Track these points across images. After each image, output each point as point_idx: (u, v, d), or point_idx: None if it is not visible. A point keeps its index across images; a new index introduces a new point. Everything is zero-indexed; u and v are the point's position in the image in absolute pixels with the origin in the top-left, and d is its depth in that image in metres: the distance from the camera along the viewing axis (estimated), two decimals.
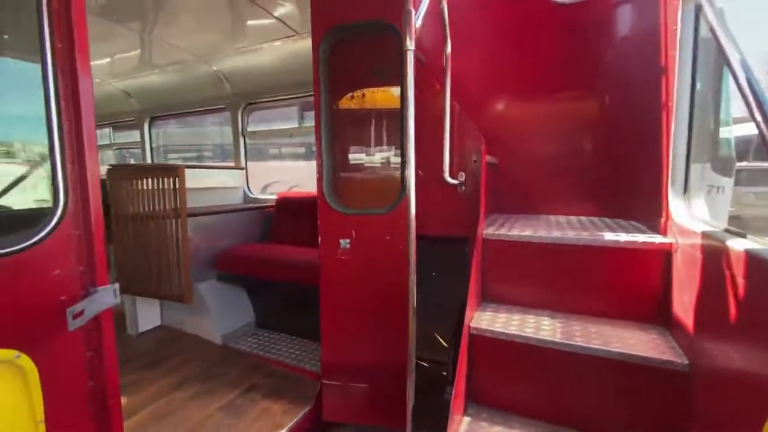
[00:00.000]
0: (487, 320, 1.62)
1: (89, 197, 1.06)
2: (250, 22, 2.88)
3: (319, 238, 2.07)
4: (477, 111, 2.32)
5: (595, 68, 2.20)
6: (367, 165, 2.21)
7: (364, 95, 2.17)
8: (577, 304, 1.72)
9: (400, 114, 1.91)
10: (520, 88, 2.41)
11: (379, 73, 2.09)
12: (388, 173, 2.18)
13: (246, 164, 3.90)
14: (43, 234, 1.00)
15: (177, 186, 2.58)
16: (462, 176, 1.94)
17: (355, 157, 2.24)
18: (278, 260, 2.78)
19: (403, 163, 1.89)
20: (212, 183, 3.51)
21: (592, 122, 2.26)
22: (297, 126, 3.69)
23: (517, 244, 1.76)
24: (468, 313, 1.60)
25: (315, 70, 2.00)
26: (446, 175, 1.84)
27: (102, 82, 4.30)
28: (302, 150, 7.80)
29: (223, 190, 3.65)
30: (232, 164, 3.95)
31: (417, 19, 1.34)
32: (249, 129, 3.88)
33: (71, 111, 1.03)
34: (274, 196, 3.71)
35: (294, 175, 6.47)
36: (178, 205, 2.58)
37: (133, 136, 5.00)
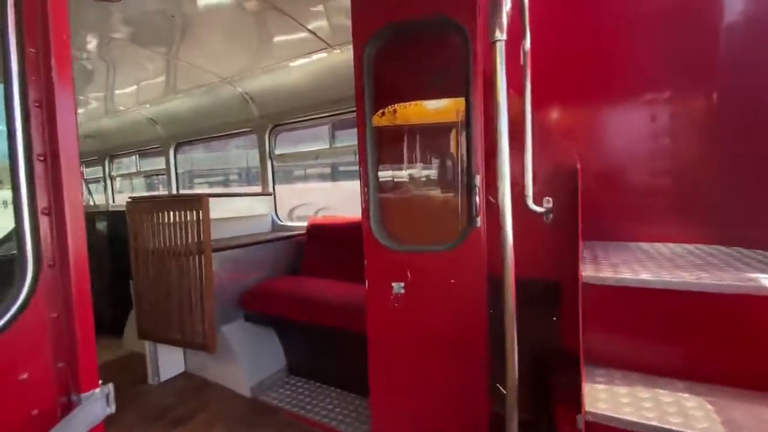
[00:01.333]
0: (607, 401, 1.19)
1: (70, 262, 0.74)
2: (277, 38, 2.64)
3: (366, 281, 1.71)
4: (547, 116, 1.93)
5: (709, 60, 1.77)
6: (421, 191, 1.86)
7: (414, 107, 1.84)
8: (720, 372, 1.27)
9: (466, 126, 1.55)
10: (605, 86, 1.99)
11: (434, 81, 1.75)
12: (448, 200, 1.81)
13: (274, 189, 3.63)
14: (3, 320, 0.68)
15: (200, 218, 2.30)
16: (549, 202, 1.54)
17: (405, 179, 1.89)
18: (311, 300, 2.43)
19: (471, 188, 1.52)
20: (238, 211, 3.24)
21: (699, 126, 1.82)
22: (328, 147, 3.40)
23: (630, 290, 1.34)
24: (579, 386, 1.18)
25: (358, 79, 1.68)
26: (529, 201, 1.45)
27: (128, 110, 4.21)
28: (328, 171, 7.62)
29: (250, 218, 3.38)
30: (258, 189, 3.69)
31: (506, 5, 1.00)
32: (276, 152, 3.62)
33: (46, 142, 0.72)
34: (304, 223, 3.41)
35: (321, 198, 6.20)
36: (202, 239, 2.30)
37: (160, 163, 4.88)
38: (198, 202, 2.25)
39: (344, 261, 2.90)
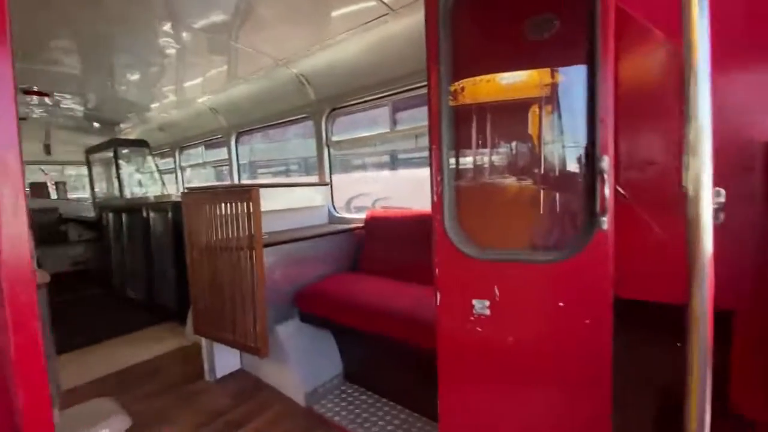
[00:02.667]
0: None
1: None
2: (335, 9, 2.33)
3: (437, 293, 1.35)
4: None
5: None
6: (511, 182, 1.43)
7: (507, 78, 1.41)
8: None
9: (589, 92, 1.10)
10: None
11: (530, 43, 1.31)
12: (552, 193, 1.37)
13: (330, 178, 3.40)
14: None
15: (251, 210, 2.11)
16: (720, 195, 1.05)
17: (491, 166, 1.47)
18: (370, 307, 2.13)
19: (596, 175, 1.08)
20: (293, 202, 3.05)
21: None
22: (389, 131, 3.06)
23: None
24: None
25: (431, 43, 1.30)
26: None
27: (194, 101, 4.25)
28: (386, 158, 7.30)
29: (305, 210, 3.18)
30: (314, 179, 3.49)
31: None
32: (333, 138, 3.37)
33: None
34: (363, 215, 3.14)
35: (379, 188, 5.92)
36: (253, 233, 2.11)
37: (224, 153, 4.93)
38: (248, 194, 2.05)
39: (407, 259, 2.58)
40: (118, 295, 4.69)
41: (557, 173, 1.34)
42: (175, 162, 5.73)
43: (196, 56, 3.11)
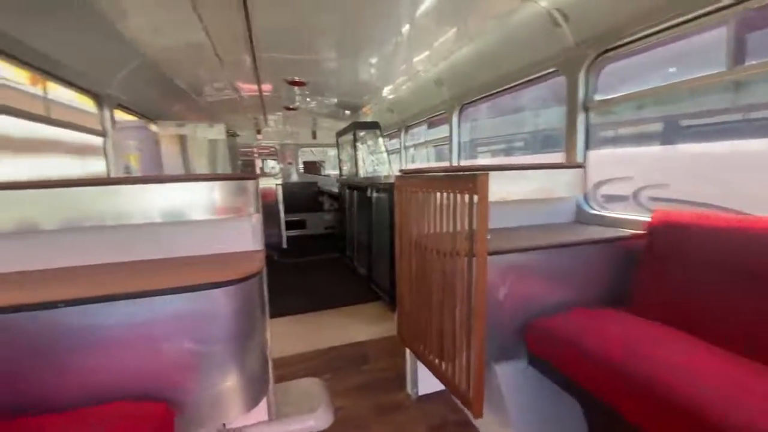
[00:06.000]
0: None
1: None
2: None
3: None
4: None
5: None
6: None
7: None
8: None
9: None
10: None
11: None
12: None
13: (585, 158, 2.36)
14: None
15: (474, 203, 1.46)
16: None
17: None
18: (664, 394, 1.13)
19: None
20: (522, 191, 2.21)
21: None
22: (726, 71, 1.74)
23: None
24: None
25: None
26: None
27: (419, 75, 4.00)
28: (656, 127, 5.08)
29: (538, 203, 2.31)
30: (557, 160, 2.53)
31: None
32: (597, 97, 2.30)
33: None
34: (639, 217, 2.00)
35: (642, 171, 4.23)
36: (475, 234, 1.47)
37: (444, 131, 4.56)
38: (472, 182, 1.40)
39: (743, 309, 1.36)
40: (348, 264, 5.22)
41: None
42: (400, 142, 5.86)
43: (426, 25, 2.74)
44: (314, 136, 8.12)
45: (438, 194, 1.65)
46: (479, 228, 1.44)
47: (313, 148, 9.04)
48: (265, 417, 1.86)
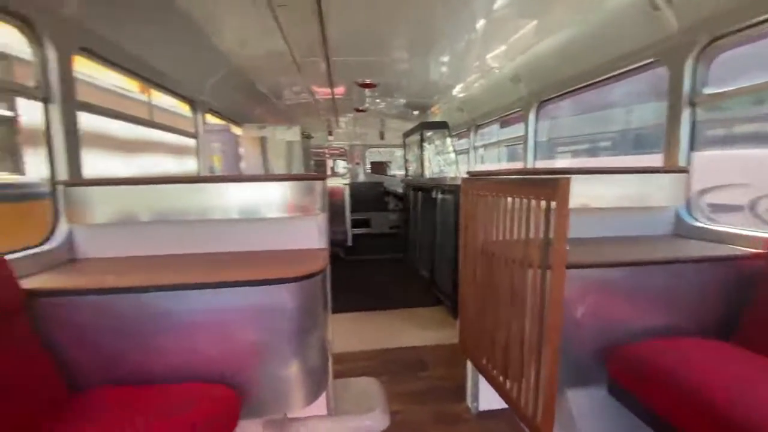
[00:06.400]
0: None
1: None
2: None
3: None
4: None
5: None
6: None
7: None
8: None
9: None
10: None
11: None
12: None
13: (689, 161, 2.03)
14: None
15: (551, 211, 1.33)
16: None
17: None
18: None
19: None
20: (607, 198, 1.96)
21: None
22: None
23: None
24: None
25: None
26: None
27: (493, 72, 3.81)
28: None
29: (627, 212, 2.04)
30: (654, 163, 2.21)
31: None
32: (706, 91, 1.96)
33: None
34: (757, 233, 1.66)
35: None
36: (552, 246, 1.33)
37: (518, 130, 4.29)
38: (551, 188, 1.27)
39: None
40: (410, 265, 5.19)
41: None
42: (469, 142, 5.66)
43: (503, 19, 2.62)
44: (382, 137, 8.23)
45: (509, 199, 1.54)
46: (556, 237, 1.31)
47: (380, 149, 9.18)
48: (324, 411, 1.90)
